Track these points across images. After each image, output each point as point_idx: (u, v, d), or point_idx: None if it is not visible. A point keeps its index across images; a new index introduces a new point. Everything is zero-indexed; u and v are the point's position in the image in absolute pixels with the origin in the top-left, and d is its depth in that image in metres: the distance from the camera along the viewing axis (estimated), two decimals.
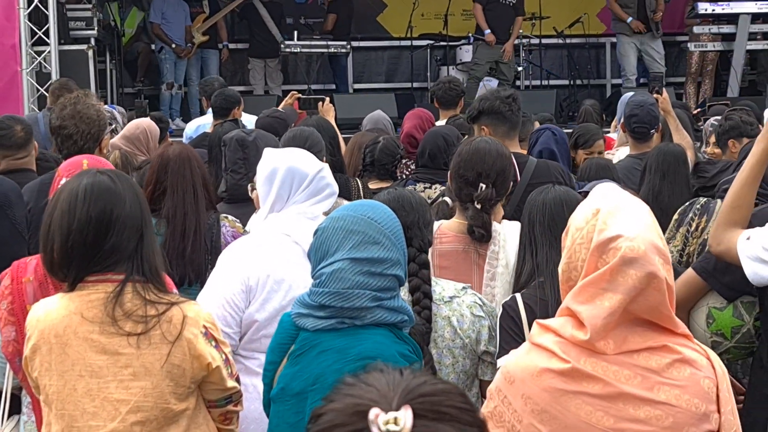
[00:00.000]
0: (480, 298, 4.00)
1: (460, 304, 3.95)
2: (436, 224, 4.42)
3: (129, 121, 8.41)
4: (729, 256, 3.72)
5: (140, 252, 3.36)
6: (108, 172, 3.48)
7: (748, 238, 3.66)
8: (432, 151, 6.34)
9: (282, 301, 4.10)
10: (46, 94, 10.29)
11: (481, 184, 4.43)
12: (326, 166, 4.34)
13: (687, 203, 5.43)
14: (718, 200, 5.38)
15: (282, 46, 15.23)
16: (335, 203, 5.25)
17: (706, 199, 5.46)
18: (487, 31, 14.39)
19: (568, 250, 2.77)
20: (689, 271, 3.96)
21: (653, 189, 5.70)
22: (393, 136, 7.89)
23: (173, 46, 15.46)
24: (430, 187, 6.19)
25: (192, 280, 4.85)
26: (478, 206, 4.39)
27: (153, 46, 15.99)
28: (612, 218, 2.70)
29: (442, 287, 3.98)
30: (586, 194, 4.56)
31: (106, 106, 8.10)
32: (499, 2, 14.44)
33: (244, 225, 4.98)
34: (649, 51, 14.84)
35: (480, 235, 4.41)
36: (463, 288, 4.01)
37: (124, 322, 3.30)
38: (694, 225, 5.43)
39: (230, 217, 5.17)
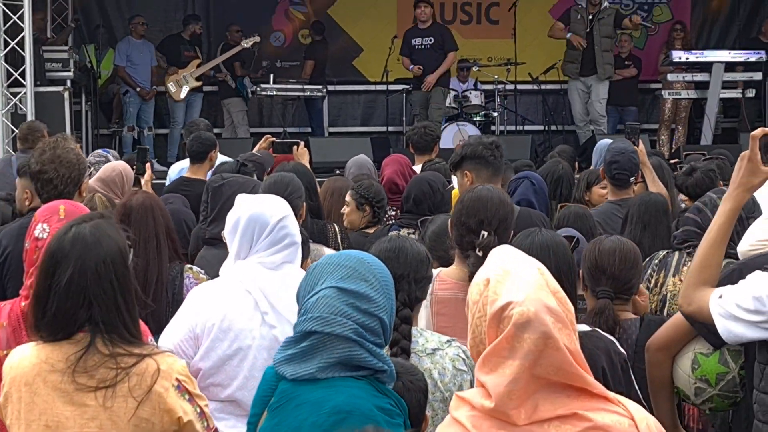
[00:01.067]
0: (464, 351, 3.95)
1: (443, 357, 3.91)
2: (435, 271, 4.41)
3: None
4: (701, 315, 3.72)
5: (115, 305, 3.32)
6: (89, 225, 3.43)
7: (720, 297, 3.66)
8: (417, 197, 6.36)
9: (227, 350, 4.12)
10: None
11: (483, 232, 4.42)
12: (289, 214, 4.31)
13: (648, 258, 5.43)
14: (676, 253, 5.39)
15: (258, 89, 15.26)
16: (316, 251, 5.28)
17: (665, 252, 5.47)
18: (411, 67, 14.58)
19: (471, 325, 2.75)
20: (677, 315, 3.96)
21: (634, 239, 5.70)
22: (376, 180, 7.90)
23: (138, 89, 15.48)
24: (414, 233, 6.18)
25: (152, 332, 4.82)
26: (480, 254, 4.37)
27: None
28: (501, 286, 2.69)
29: (426, 338, 3.95)
30: (570, 238, 4.60)
31: (100, 150, 8.07)
32: (418, 48, 14.59)
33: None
34: (591, 94, 14.86)
35: None
36: (448, 341, 3.97)
37: (92, 374, 3.26)
38: (653, 281, 5.44)
39: (195, 269, 5.17)
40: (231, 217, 4.32)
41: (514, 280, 2.69)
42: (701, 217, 5.16)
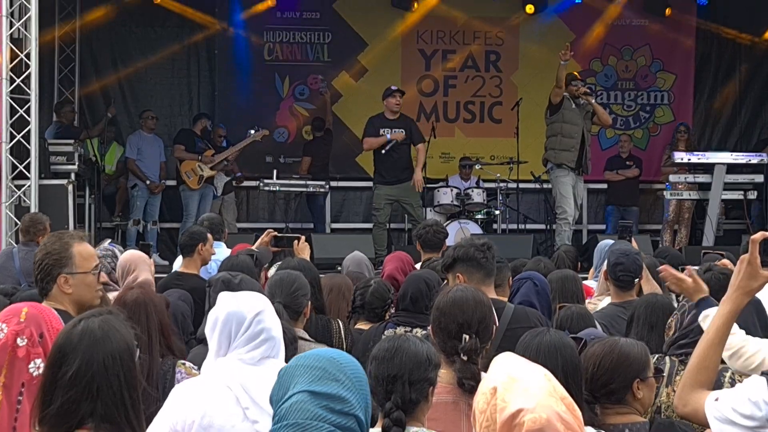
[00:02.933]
0: None
1: None
2: None
3: None
4: (696, 418, 3.68)
5: (120, 399, 3.30)
6: (98, 320, 3.41)
7: (716, 399, 3.62)
8: (414, 295, 6.32)
9: None
10: None
11: (465, 336, 4.39)
12: (265, 309, 4.31)
13: None
14: (667, 359, 5.34)
15: (261, 184, 15.34)
16: (306, 347, 5.26)
17: (656, 357, 5.42)
18: (388, 136, 14.37)
19: None
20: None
21: (641, 340, 5.67)
22: (373, 278, 7.87)
23: (147, 182, 15.58)
24: (411, 331, 6.13)
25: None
26: (465, 358, 4.35)
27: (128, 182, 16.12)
28: (509, 394, 2.67)
29: None
30: (578, 340, 4.56)
31: (106, 244, 8.05)
32: (393, 145, 14.48)
33: None
34: (575, 192, 14.56)
35: (470, 386, 4.32)
36: None
37: None
38: None
39: (188, 364, 5.15)
40: (211, 316, 4.34)
41: (523, 386, 2.68)
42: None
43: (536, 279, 6.46)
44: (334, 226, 17.31)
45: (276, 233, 8.84)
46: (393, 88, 14.76)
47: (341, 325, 6.64)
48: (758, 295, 4.19)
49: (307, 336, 5.58)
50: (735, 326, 4.03)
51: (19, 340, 3.89)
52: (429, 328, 4.68)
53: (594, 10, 17.74)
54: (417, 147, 14.64)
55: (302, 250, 8.37)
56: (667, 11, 17.48)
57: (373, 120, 14.67)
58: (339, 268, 9.31)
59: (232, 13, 17.34)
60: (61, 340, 3.32)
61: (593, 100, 14.55)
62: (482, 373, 4.39)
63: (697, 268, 7.45)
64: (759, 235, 3.65)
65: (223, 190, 16.23)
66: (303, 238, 8.63)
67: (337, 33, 17.74)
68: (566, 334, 4.41)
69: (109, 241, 8.56)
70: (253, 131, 15.71)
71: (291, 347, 4.57)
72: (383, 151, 14.42)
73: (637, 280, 7.05)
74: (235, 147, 15.91)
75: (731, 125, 18.52)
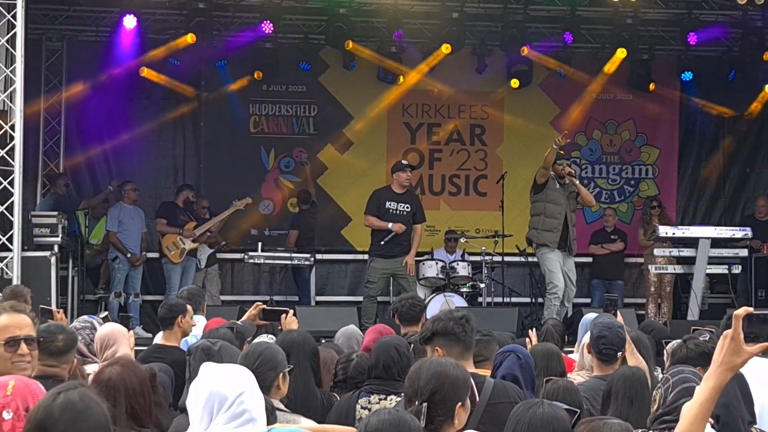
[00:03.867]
0: None
1: None
2: None
3: None
4: None
5: None
6: (76, 392, 3.37)
7: None
8: (386, 362, 6.29)
9: None
10: None
11: (416, 402, 4.39)
12: (248, 389, 4.29)
13: None
14: None
15: (246, 257, 15.31)
16: (293, 420, 5.23)
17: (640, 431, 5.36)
18: (390, 224, 14.40)
19: None
20: None
21: (621, 416, 5.61)
22: (355, 351, 7.83)
23: (128, 255, 15.53)
24: (386, 398, 6.13)
25: None
26: (423, 423, 4.32)
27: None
28: None
29: None
30: (572, 413, 4.51)
31: (85, 317, 8.01)
32: (393, 212, 14.54)
33: None
34: (565, 270, 14.65)
35: None
36: None
37: None
38: None
39: None
40: (193, 388, 4.31)
41: None
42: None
43: (519, 352, 6.43)
44: (319, 298, 17.25)
45: (264, 306, 8.80)
46: (404, 162, 14.92)
47: (319, 394, 6.63)
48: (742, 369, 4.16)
49: (282, 407, 5.53)
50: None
51: (5, 413, 3.85)
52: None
53: (578, 85, 17.86)
54: (415, 226, 14.66)
55: (290, 323, 8.31)
56: (651, 86, 17.60)
57: (379, 194, 14.74)
58: (324, 341, 9.27)
59: (218, 85, 17.39)
60: (40, 415, 3.27)
61: (577, 181, 14.63)
62: None
63: (678, 341, 7.43)
64: (742, 311, 3.62)
65: (206, 262, 16.20)
66: (291, 311, 8.58)
67: (323, 106, 17.82)
68: (560, 407, 4.37)
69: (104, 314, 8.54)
70: (236, 201, 15.74)
71: (271, 417, 4.52)
72: (382, 243, 14.47)
73: (620, 353, 7.02)
74: (217, 218, 15.93)
75: (716, 199, 18.59)
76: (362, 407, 6.13)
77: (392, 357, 6.30)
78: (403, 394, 4.60)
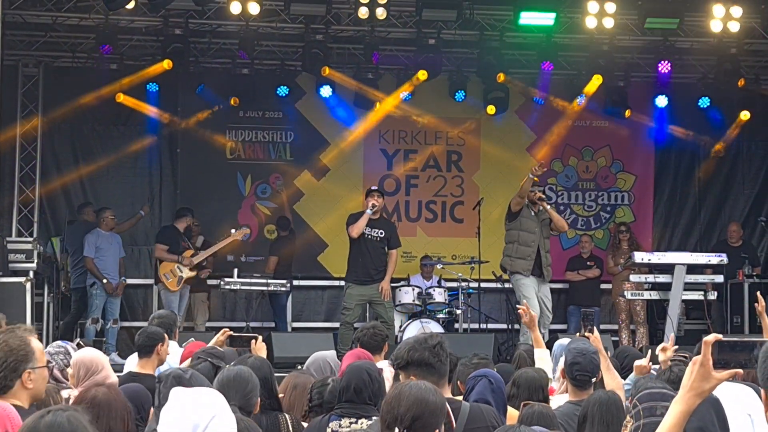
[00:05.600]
0: None
1: None
2: None
3: None
4: None
5: None
6: (66, 414, 3.36)
7: None
8: (357, 386, 6.29)
9: None
10: None
11: (396, 429, 4.38)
12: (219, 412, 4.27)
13: None
14: None
15: (222, 283, 15.29)
16: None
17: None
18: (368, 210, 14.36)
19: None
20: None
21: None
22: (330, 376, 7.82)
23: (104, 281, 15.45)
24: (356, 422, 6.13)
25: None
26: None
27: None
28: None
29: None
30: None
31: (59, 341, 7.96)
32: (367, 236, 14.55)
33: None
34: (540, 296, 14.63)
35: None
36: None
37: None
38: None
39: None
40: (164, 413, 4.29)
41: None
42: None
43: (491, 377, 6.43)
44: (296, 324, 17.22)
45: (231, 333, 8.77)
46: (373, 188, 14.94)
47: (288, 420, 6.65)
48: (719, 395, 4.18)
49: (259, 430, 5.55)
50: None
51: None
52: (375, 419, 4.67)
53: (555, 111, 17.93)
54: (390, 252, 14.66)
55: (259, 349, 8.30)
56: (627, 113, 17.68)
57: (354, 216, 14.73)
58: (300, 367, 9.26)
59: (195, 111, 17.37)
60: None
61: (548, 206, 14.68)
62: None
63: (658, 366, 7.46)
64: (711, 337, 3.63)
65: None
66: (260, 338, 8.56)
67: (300, 132, 17.83)
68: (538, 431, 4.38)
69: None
70: (234, 230, 15.72)
71: None
72: (368, 211, 14.43)
73: (594, 379, 7.04)
74: (214, 247, 15.89)
75: (691, 226, 18.67)
76: (332, 431, 6.13)
77: (363, 380, 6.30)
78: (379, 419, 4.59)
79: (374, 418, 6.12)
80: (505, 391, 6.50)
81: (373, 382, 6.25)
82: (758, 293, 9.99)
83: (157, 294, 16.29)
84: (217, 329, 15.16)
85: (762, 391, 3.38)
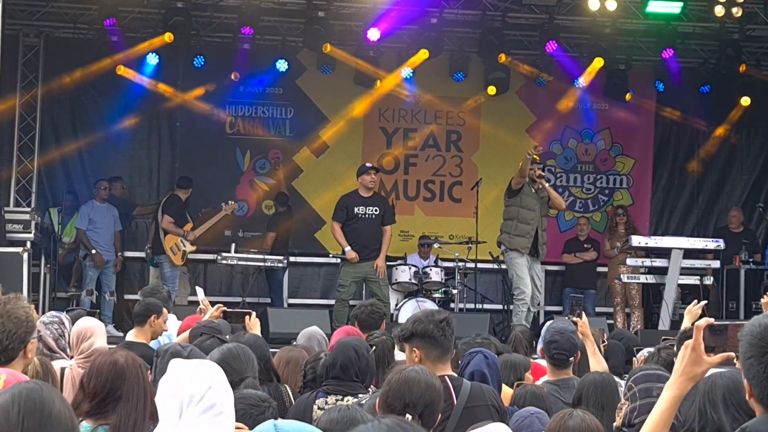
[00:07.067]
0: None
1: None
2: None
3: None
4: None
5: None
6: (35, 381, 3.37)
7: None
8: (344, 363, 6.30)
9: None
10: None
11: (408, 415, 4.36)
12: (216, 383, 4.27)
13: None
14: None
15: (219, 258, 15.29)
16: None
17: None
18: (348, 248, 14.46)
19: None
20: None
21: None
22: (323, 351, 7.84)
23: (93, 252, 15.43)
24: (342, 399, 6.15)
25: None
26: None
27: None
28: None
29: None
30: None
31: (53, 311, 7.99)
32: (362, 216, 14.56)
33: None
34: (532, 274, 14.66)
35: None
36: None
37: None
38: None
39: None
40: (162, 384, 4.30)
41: None
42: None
43: (486, 352, 6.45)
44: (291, 301, 17.22)
45: (225, 308, 8.78)
46: (368, 165, 14.88)
47: (288, 390, 6.77)
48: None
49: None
50: None
51: None
52: (377, 401, 4.66)
53: (555, 93, 17.90)
54: (385, 228, 14.65)
55: (253, 326, 8.33)
56: (627, 96, 17.66)
57: (346, 199, 14.72)
58: (295, 343, 9.27)
59: (195, 85, 17.33)
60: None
61: (547, 185, 14.67)
62: None
63: (651, 349, 7.47)
64: (703, 322, 3.64)
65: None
66: (254, 314, 8.58)
67: (300, 108, 17.80)
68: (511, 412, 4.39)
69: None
70: (225, 204, 15.69)
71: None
72: (345, 251, 14.48)
73: (572, 358, 7.05)
74: (210, 221, 15.83)
75: (689, 211, 18.66)
76: (319, 408, 6.14)
77: (350, 357, 6.31)
78: (376, 402, 4.57)
79: (360, 395, 6.14)
80: (499, 366, 6.51)
81: (360, 359, 6.26)
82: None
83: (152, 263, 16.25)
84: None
85: (744, 381, 3.38)
